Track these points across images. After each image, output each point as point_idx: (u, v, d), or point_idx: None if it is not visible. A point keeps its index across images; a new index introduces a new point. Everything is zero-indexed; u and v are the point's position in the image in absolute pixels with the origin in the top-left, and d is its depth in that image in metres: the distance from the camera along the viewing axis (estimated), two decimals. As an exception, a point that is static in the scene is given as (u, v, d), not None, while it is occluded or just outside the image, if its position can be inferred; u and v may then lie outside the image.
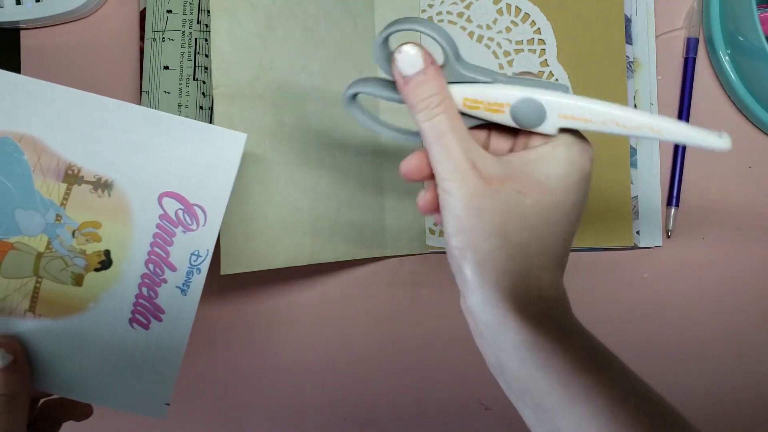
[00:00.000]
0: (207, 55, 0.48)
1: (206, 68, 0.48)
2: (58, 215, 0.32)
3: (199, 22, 0.48)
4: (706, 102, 0.50)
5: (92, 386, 0.33)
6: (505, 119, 0.27)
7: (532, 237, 0.25)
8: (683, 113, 0.49)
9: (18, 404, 0.29)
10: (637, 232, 0.48)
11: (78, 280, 0.33)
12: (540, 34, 0.48)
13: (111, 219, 0.32)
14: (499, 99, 0.27)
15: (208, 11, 0.48)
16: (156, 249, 0.33)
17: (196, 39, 0.48)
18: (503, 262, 0.25)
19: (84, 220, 0.32)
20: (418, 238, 0.49)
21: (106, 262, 0.33)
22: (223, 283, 0.49)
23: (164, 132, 0.32)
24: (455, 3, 0.49)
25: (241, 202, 0.40)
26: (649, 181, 0.49)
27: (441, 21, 0.49)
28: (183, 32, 0.48)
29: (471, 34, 0.49)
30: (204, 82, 0.48)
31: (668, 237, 0.49)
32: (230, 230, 0.39)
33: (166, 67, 0.48)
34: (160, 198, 0.33)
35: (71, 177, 0.32)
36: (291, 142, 0.42)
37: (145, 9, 0.49)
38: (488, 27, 0.48)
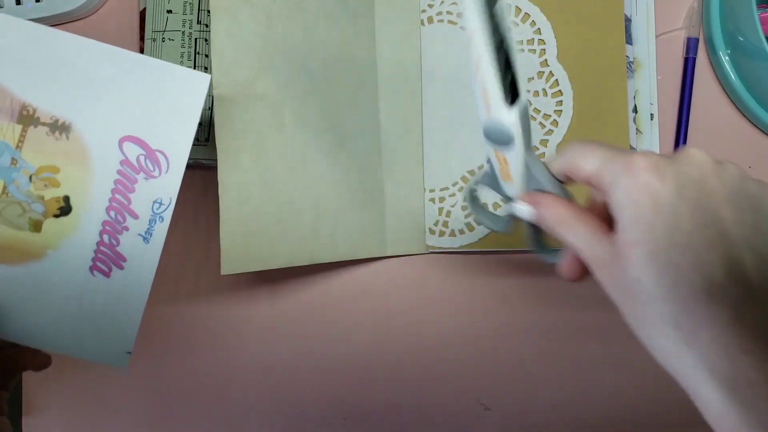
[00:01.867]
0: (207, 55, 0.48)
1: (206, 68, 0.48)
2: (13, 159, 0.31)
3: (199, 22, 0.48)
4: (706, 102, 0.50)
5: (52, 334, 0.33)
6: None
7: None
8: (683, 113, 0.49)
9: None
10: (637, 232, 0.48)
11: (36, 226, 0.32)
12: (540, 34, 0.48)
13: (69, 163, 0.31)
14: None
15: (208, 11, 0.48)
16: (117, 196, 0.32)
17: (196, 39, 0.48)
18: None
19: (41, 164, 0.31)
20: (418, 238, 0.49)
21: (65, 208, 0.32)
22: (224, 283, 0.49)
23: (126, 72, 0.31)
24: (455, 3, 0.49)
25: (241, 201, 0.40)
26: (649, 181, 0.49)
27: (441, 21, 0.49)
28: (183, 32, 0.48)
29: (471, 34, 0.49)
30: (204, 82, 0.48)
31: (668, 237, 0.49)
32: (230, 230, 0.39)
33: (166, 67, 0.48)
34: (120, 142, 0.31)
35: (26, 118, 0.31)
36: (291, 142, 0.42)
37: (145, 9, 0.49)
38: (488, 27, 0.48)
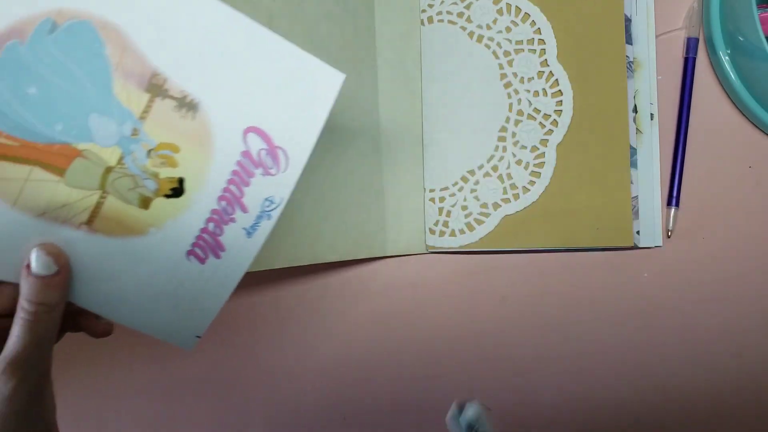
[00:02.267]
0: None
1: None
2: (135, 129, 0.28)
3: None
4: (706, 102, 0.50)
5: (129, 309, 0.31)
6: None
7: None
8: (683, 113, 0.49)
9: (54, 315, 0.28)
10: (637, 232, 0.48)
11: (145, 203, 0.30)
12: (540, 34, 0.48)
13: (191, 145, 0.29)
14: None
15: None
16: (232, 187, 0.30)
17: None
18: None
19: (162, 141, 0.29)
20: (418, 238, 0.49)
21: (178, 190, 0.30)
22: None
23: (262, 54, 0.29)
24: (455, 3, 0.49)
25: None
26: (649, 181, 0.49)
27: (441, 21, 0.49)
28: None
29: (471, 34, 0.49)
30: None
31: (668, 237, 0.49)
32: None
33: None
34: (245, 132, 0.29)
35: (155, 88, 0.28)
36: (291, 142, 0.42)
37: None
38: (488, 27, 0.48)
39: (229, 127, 0.29)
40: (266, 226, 0.31)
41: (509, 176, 0.48)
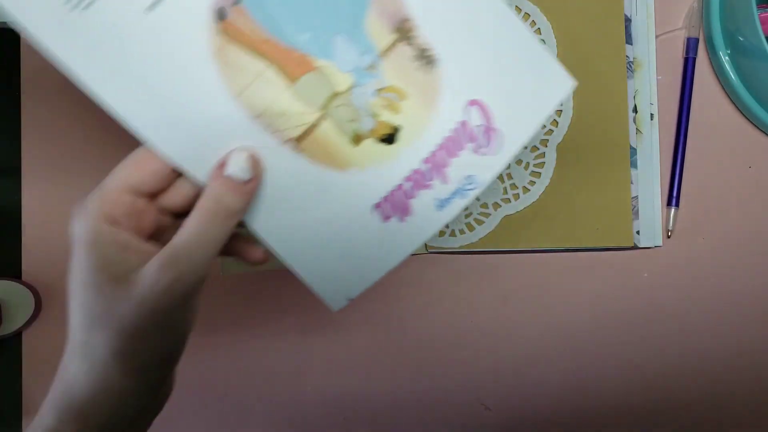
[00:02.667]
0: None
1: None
2: (372, 64, 0.28)
3: (199, 22, 0.48)
4: (706, 102, 0.50)
5: (297, 246, 0.30)
6: None
7: None
8: (683, 113, 0.49)
9: (231, 223, 0.27)
10: (637, 232, 0.48)
11: (357, 140, 0.29)
12: (540, 34, 0.48)
13: (418, 97, 0.29)
14: None
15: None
16: (440, 152, 0.30)
17: (196, 39, 0.48)
18: None
19: (393, 84, 0.29)
20: (418, 238, 0.49)
21: (391, 137, 0.29)
22: (224, 284, 0.49)
23: (507, 36, 0.29)
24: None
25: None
26: (649, 181, 0.49)
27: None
28: (183, 32, 0.48)
29: (471, 34, 0.49)
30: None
31: (668, 237, 0.49)
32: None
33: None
34: (469, 103, 0.29)
35: (403, 32, 0.28)
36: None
37: (145, 9, 0.49)
38: (488, 27, 0.48)
39: (456, 92, 0.29)
40: (458, 205, 0.30)
41: (509, 176, 0.48)
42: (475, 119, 0.30)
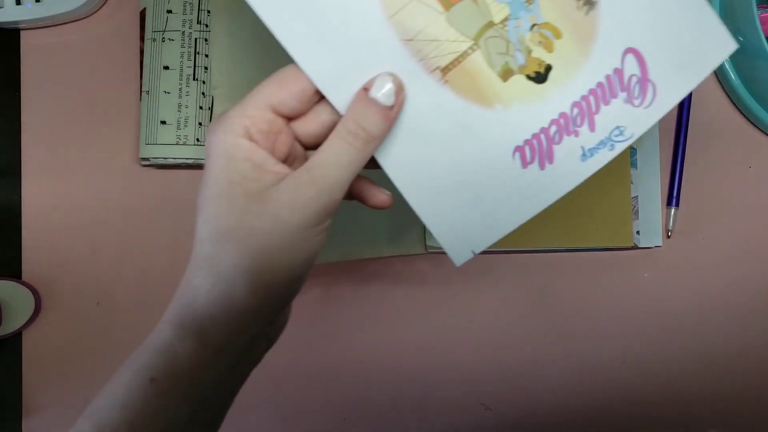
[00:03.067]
0: (207, 55, 0.48)
1: (206, 68, 0.48)
2: None
3: (199, 22, 0.48)
4: (706, 102, 0.50)
5: (428, 188, 0.29)
6: None
7: None
8: (683, 113, 0.49)
9: (369, 149, 0.26)
10: (637, 232, 0.48)
11: (506, 75, 0.28)
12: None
13: (573, 37, 0.28)
14: None
15: (208, 11, 0.48)
16: (590, 98, 0.29)
17: (196, 39, 0.48)
18: None
19: (549, 21, 0.28)
20: (418, 238, 0.49)
21: (541, 76, 0.28)
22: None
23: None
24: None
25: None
26: (649, 181, 0.49)
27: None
28: (183, 32, 0.48)
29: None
30: (204, 82, 0.48)
31: (668, 237, 0.49)
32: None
33: (166, 67, 0.48)
34: (625, 51, 0.28)
35: None
36: (291, 142, 0.42)
37: (145, 9, 0.49)
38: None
39: (613, 38, 0.28)
40: (603, 157, 0.29)
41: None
42: (630, 68, 0.29)
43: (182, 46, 0.48)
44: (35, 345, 0.50)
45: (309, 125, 0.27)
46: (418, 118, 0.27)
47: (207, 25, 0.48)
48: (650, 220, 0.49)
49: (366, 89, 0.26)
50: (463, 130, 0.28)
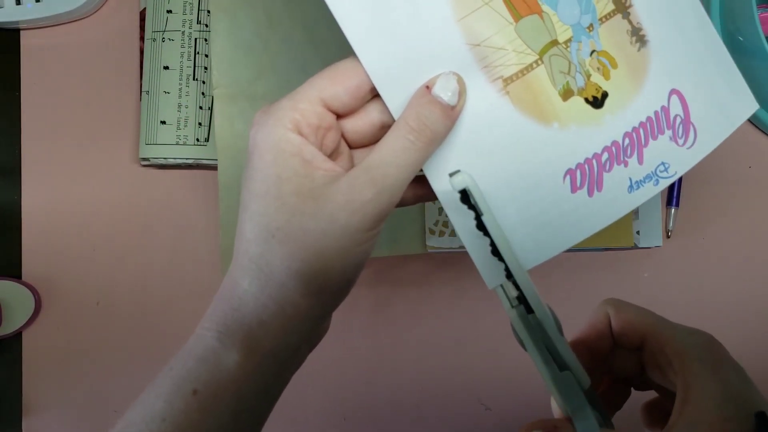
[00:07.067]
0: (207, 55, 0.48)
1: (206, 68, 0.48)
2: (591, 25, 0.28)
3: (199, 22, 0.48)
4: (706, 102, 0.50)
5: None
6: None
7: None
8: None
9: (431, 148, 0.25)
10: (637, 232, 0.48)
11: (566, 95, 0.28)
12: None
13: (627, 70, 0.29)
14: None
15: (208, 11, 0.48)
16: (640, 131, 0.29)
17: (196, 39, 0.48)
18: None
19: (606, 49, 0.29)
20: (418, 238, 0.49)
21: (598, 101, 0.29)
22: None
23: (706, 40, 0.31)
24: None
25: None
26: (649, 181, 0.49)
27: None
28: (183, 32, 0.48)
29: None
30: (204, 82, 0.48)
31: (668, 237, 0.49)
32: (231, 231, 0.39)
33: (166, 67, 0.48)
34: (671, 92, 0.30)
35: (621, 6, 0.29)
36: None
37: (145, 9, 0.49)
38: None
39: (661, 76, 0.30)
40: (648, 191, 0.30)
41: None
42: (675, 108, 0.30)
43: (182, 46, 0.48)
44: (35, 345, 0.50)
45: (358, 123, 0.26)
46: (471, 127, 0.27)
47: (207, 25, 0.48)
48: (650, 220, 0.49)
49: (428, 87, 0.25)
50: (517, 145, 0.27)
